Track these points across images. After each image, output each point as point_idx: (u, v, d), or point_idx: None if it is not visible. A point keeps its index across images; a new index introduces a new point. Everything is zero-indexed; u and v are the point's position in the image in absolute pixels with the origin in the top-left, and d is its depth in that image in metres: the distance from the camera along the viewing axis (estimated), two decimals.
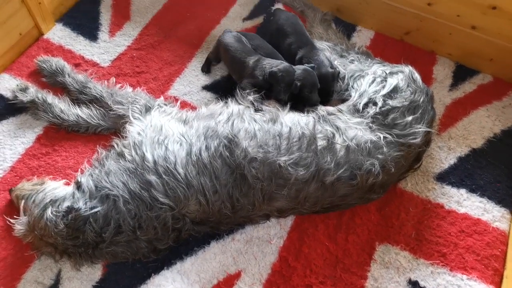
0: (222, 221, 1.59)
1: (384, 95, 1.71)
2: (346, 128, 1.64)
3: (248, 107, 1.73)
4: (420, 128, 1.65)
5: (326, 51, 1.97)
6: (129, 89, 1.90)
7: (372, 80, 1.78)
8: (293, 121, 1.65)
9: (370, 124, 1.66)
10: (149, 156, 1.55)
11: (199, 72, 2.12)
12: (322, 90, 1.80)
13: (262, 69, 1.80)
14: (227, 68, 2.05)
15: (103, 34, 2.20)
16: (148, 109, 1.80)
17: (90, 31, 2.21)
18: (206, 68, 2.11)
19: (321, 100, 1.80)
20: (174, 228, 1.54)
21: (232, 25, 2.26)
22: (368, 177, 1.57)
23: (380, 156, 1.60)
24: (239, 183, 1.52)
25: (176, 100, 1.96)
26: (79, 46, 2.15)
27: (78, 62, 2.09)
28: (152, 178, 1.51)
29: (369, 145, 1.59)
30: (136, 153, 1.58)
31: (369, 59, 1.93)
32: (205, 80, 2.10)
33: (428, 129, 1.67)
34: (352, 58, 1.92)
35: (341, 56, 1.95)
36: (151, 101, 1.83)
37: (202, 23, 2.27)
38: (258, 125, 1.62)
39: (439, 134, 1.97)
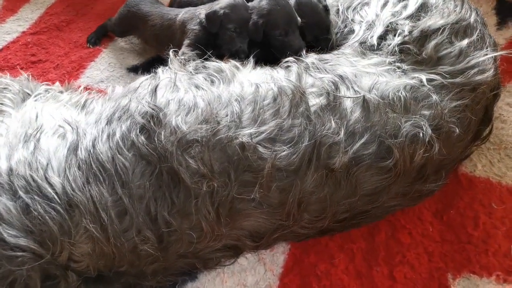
0: (146, 270, 0.85)
1: (409, 17, 1.05)
2: (356, 74, 0.96)
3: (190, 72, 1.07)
4: (486, 54, 0.97)
5: None
6: (4, 77, 1.25)
7: (384, 2, 1.13)
8: (261, 76, 0.97)
9: (398, 64, 0.98)
10: (2, 163, 0.86)
11: (124, 51, 1.49)
12: (311, 28, 1.14)
13: (197, 17, 1.16)
14: (147, 45, 1.42)
15: None
16: (26, 98, 1.14)
17: None
18: (95, 39, 1.50)
19: (313, 46, 1.13)
20: None
21: None
22: (414, 149, 0.86)
23: (426, 112, 0.90)
24: (167, 189, 0.81)
25: (87, 89, 1.31)
26: None
27: None
28: (1, 200, 0.81)
29: (403, 94, 0.90)
30: None
31: None
32: (134, 59, 1.46)
33: (501, 53, 0.99)
34: None
35: None
36: (33, 86, 1.17)
37: None
38: (202, 91, 0.94)
39: (503, 86, 1.29)
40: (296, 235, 0.92)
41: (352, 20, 1.15)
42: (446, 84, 0.94)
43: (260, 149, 0.82)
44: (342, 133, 0.85)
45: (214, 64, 1.01)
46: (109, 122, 0.91)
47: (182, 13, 1.22)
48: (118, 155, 0.83)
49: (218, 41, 1.12)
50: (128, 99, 0.94)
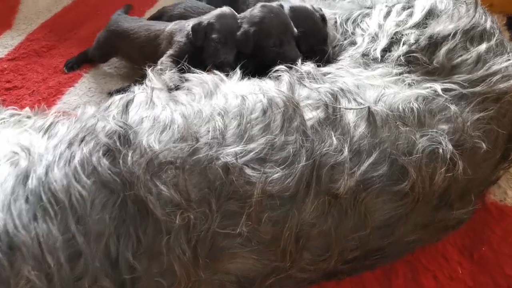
0: None
1: (415, 26, 0.94)
2: (358, 85, 0.83)
3: (170, 88, 0.95)
4: (509, 59, 0.85)
5: None
6: None
7: (387, 11, 1.02)
8: (249, 88, 0.85)
9: (406, 75, 0.86)
10: None
11: (106, 76, 1.38)
12: (307, 38, 1.03)
13: (185, 29, 1.06)
14: (132, 62, 1.31)
15: None
16: None
17: None
18: (72, 64, 1.40)
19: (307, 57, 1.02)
20: None
21: None
22: (433, 167, 0.71)
23: (444, 126, 0.76)
24: (132, 224, 0.66)
25: (65, 113, 1.20)
26: None
27: None
28: None
29: (415, 105, 0.77)
30: None
31: None
32: (116, 83, 1.35)
33: None
34: None
35: None
36: None
37: None
38: (182, 107, 0.81)
39: None
40: (296, 280, 0.74)
41: (352, 33, 1.04)
42: (465, 93, 0.81)
43: (248, 171, 0.67)
44: (345, 151, 0.71)
45: (195, 76, 0.89)
46: (70, 145, 0.76)
47: (171, 25, 1.13)
48: (75, 183, 0.69)
49: (203, 54, 1.01)
50: (95, 119, 0.81)
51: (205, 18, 1.01)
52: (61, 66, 1.43)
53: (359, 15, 1.07)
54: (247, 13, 1.04)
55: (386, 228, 0.74)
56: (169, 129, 0.74)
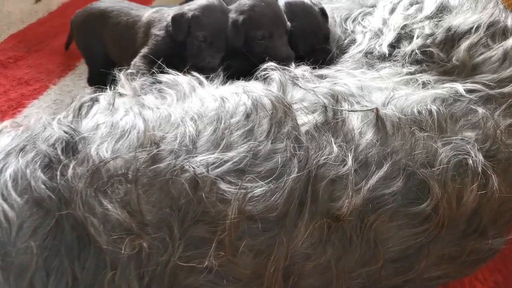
0: None
1: (428, 18, 0.83)
2: (362, 87, 0.71)
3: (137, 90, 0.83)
4: None
5: None
6: None
7: (392, 7, 0.92)
8: (231, 89, 0.72)
9: (420, 74, 0.74)
10: None
11: (76, 87, 1.27)
12: (305, 36, 0.92)
13: (165, 19, 0.94)
14: (110, 55, 1.17)
15: None
16: None
17: None
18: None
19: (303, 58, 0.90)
20: None
21: None
22: (462, 183, 0.58)
23: (470, 133, 0.63)
24: (68, 255, 0.51)
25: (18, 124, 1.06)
26: None
27: None
28: None
29: (434, 108, 0.64)
30: None
31: None
32: (86, 94, 1.23)
33: None
34: None
35: None
36: None
37: None
38: (148, 111, 0.68)
39: None
40: None
41: (352, 31, 0.93)
42: (493, 94, 0.68)
43: (222, 185, 0.54)
44: (349, 161, 0.57)
45: (169, 77, 0.77)
46: (7, 155, 0.63)
47: (150, 12, 1.01)
48: (1, 202, 0.55)
49: (185, 52, 0.89)
50: (43, 127, 0.68)
51: (189, 9, 0.88)
52: (26, 78, 1.31)
53: (359, 13, 0.97)
54: (236, 4, 0.93)
55: (402, 261, 0.59)
56: (128, 136, 0.61)
